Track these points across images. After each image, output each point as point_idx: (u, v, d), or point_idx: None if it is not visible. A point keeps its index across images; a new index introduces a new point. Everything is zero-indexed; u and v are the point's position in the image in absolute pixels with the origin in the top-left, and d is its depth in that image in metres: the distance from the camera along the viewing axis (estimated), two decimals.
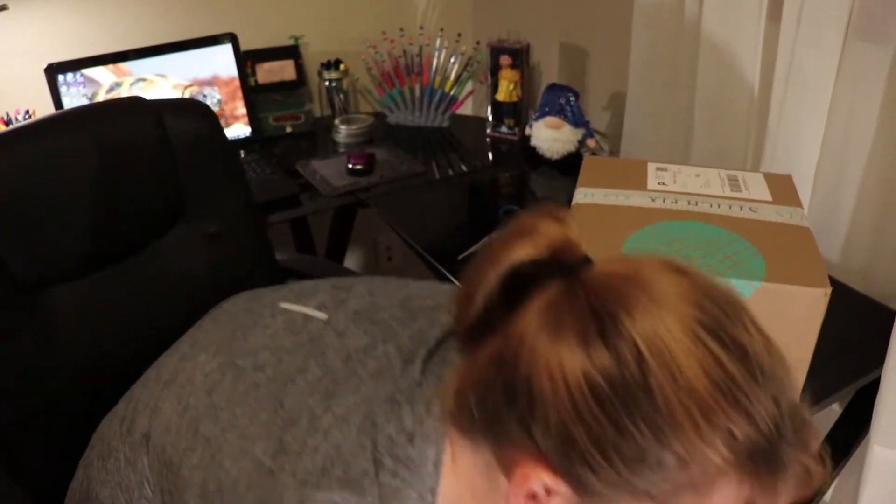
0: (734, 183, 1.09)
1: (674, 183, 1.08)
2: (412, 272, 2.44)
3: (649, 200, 1.03)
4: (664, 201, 1.03)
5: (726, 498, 0.53)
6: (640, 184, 1.08)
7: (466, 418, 0.60)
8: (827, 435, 1.30)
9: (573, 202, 1.05)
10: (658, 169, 1.12)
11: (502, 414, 0.56)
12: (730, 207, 1.02)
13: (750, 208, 1.03)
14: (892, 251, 1.22)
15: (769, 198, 1.06)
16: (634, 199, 1.04)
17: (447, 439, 0.66)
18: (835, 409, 1.30)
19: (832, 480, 1.31)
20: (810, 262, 0.91)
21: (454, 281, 1.30)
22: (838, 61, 1.18)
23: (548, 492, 0.55)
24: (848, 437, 1.25)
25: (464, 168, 1.79)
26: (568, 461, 0.53)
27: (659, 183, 1.08)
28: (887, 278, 1.24)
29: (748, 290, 0.87)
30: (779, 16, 1.22)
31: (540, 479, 0.55)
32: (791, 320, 0.89)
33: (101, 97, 1.64)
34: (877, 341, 1.11)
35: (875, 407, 1.13)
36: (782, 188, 1.08)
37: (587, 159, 1.16)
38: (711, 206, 1.02)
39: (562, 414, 0.52)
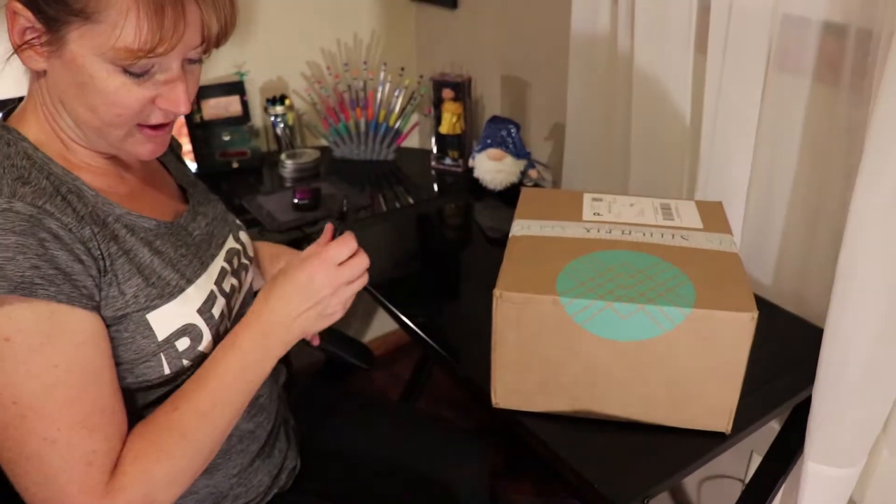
0: (667, 211, 1.12)
1: (609, 213, 1.11)
2: (363, 306, 2.45)
3: (584, 231, 1.06)
4: (599, 231, 1.06)
5: (126, 8, 0.72)
6: (575, 215, 1.11)
7: None
8: (767, 452, 1.33)
9: (510, 234, 1.07)
10: (594, 199, 1.15)
11: None
12: (662, 236, 1.06)
13: (682, 236, 1.06)
14: (820, 273, 1.27)
15: (700, 225, 1.09)
16: (570, 230, 1.07)
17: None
18: (773, 427, 1.33)
19: (774, 496, 1.34)
20: (738, 287, 0.95)
21: (404, 319, 1.31)
22: (762, 92, 1.23)
23: (25, 19, 0.74)
24: (787, 454, 1.28)
25: (410, 200, 1.81)
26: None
27: (594, 213, 1.11)
28: (816, 299, 1.29)
29: (679, 317, 0.90)
30: (706, 48, 1.27)
31: (13, 7, 0.74)
32: (722, 344, 0.92)
33: None
34: (809, 359, 1.15)
35: (808, 425, 1.16)
36: (713, 215, 1.12)
37: (525, 191, 1.19)
38: (644, 234, 1.06)
39: None
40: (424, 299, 1.38)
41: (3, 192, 0.73)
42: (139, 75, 0.77)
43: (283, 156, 1.94)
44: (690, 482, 1.71)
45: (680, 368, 0.95)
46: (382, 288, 1.39)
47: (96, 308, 0.78)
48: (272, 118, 2.00)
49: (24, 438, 0.74)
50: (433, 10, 2.16)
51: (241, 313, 1.00)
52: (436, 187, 1.91)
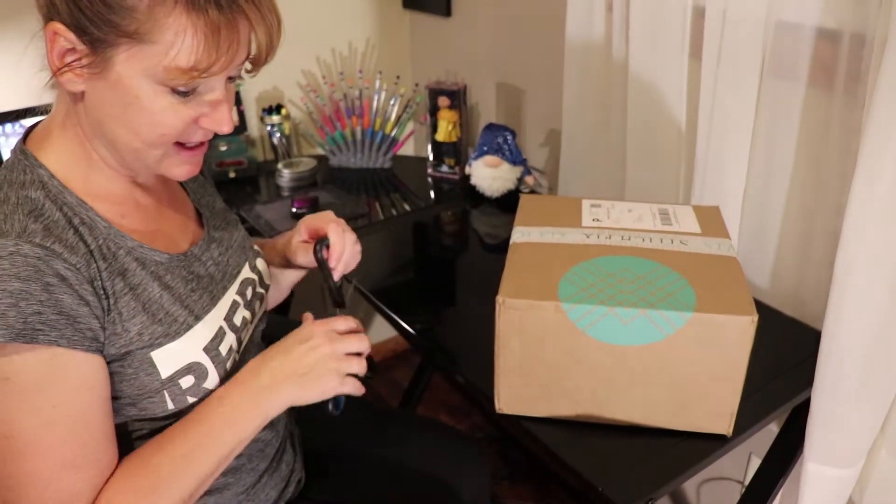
0: (665, 217, 1.13)
1: (608, 219, 1.12)
2: (362, 312, 2.45)
3: (584, 237, 1.07)
4: (598, 237, 1.07)
5: (181, 29, 0.72)
6: (575, 221, 1.12)
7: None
8: (766, 453, 1.34)
9: (511, 241, 1.08)
10: (592, 206, 1.16)
11: None
12: (661, 241, 1.07)
13: (680, 241, 1.07)
14: (817, 276, 1.28)
15: (698, 230, 1.10)
16: (570, 236, 1.08)
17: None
18: (771, 429, 1.34)
19: (774, 497, 1.35)
20: (738, 291, 0.96)
21: (403, 325, 1.32)
22: (756, 97, 1.24)
23: (66, 41, 0.74)
24: (786, 455, 1.29)
25: (407, 208, 1.82)
26: (70, 9, 0.72)
27: (594, 220, 1.12)
28: (813, 301, 1.30)
29: (680, 321, 0.91)
30: (700, 54, 1.28)
31: (54, 28, 0.73)
32: (723, 348, 0.93)
33: None
34: (807, 362, 1.16)
35: (807, 426, 1.17)
36: (710, 220, 1.13)
37: (524, 198, 1.20)
38: (644, 240, 1.06)
39: None
40: (423, 306, 1.38)
41: (14, 231, 0.73)
42: (186, 94, 0.77)
43: (279, 165, 1.95)
44: (690, 484, 1.72)
45: (681, 372, 0.95)
46: (381, 294, 1.39)
47: (100, 349, 0.79)
48: (268, 128, 2.00)
49: (10, 473, 0.75)
50: (427, 18, 2.17)
51: (251, 345, 1.01)
52: (432, 195, 1.91)
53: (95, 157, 0.83)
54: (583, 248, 1.05)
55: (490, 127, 1.78)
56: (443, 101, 1.90)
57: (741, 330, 0.91)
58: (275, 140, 2.01)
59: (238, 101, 1.96)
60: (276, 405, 0.86)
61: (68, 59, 0.75)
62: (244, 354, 0.97)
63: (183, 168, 0.85)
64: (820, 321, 1.14)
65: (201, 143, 0.85)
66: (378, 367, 0.97)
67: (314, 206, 1.73)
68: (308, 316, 0.94)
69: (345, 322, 0.92)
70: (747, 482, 1.51)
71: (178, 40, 0.72)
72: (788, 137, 1.25)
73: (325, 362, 0.87)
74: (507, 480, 2.03)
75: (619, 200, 1.19)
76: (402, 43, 2.29)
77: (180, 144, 0.82)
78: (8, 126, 1.59)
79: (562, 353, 0.97)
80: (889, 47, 0.95)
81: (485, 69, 2.02)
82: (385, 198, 1.88)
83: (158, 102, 0.76)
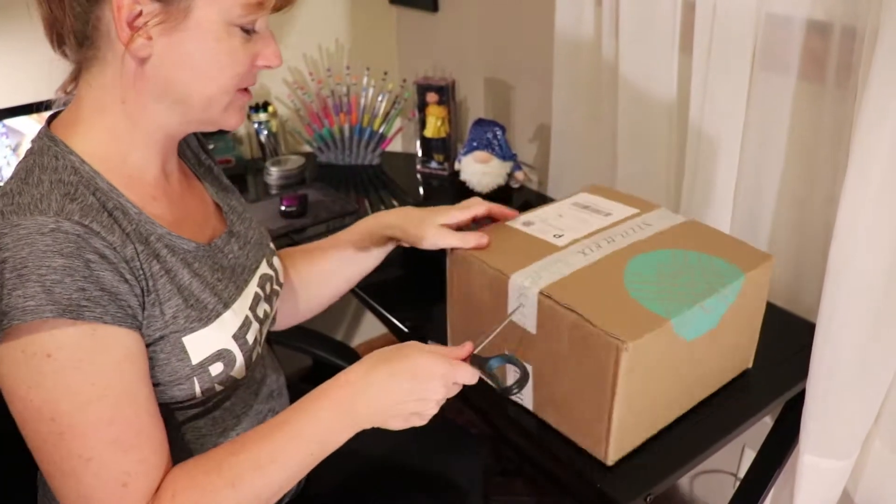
0: (596, 210, 1.14)
1: (565, 230, 1.08)
2: (352, 310, 2.44)
3: (583, 256, 1.01)
4: (593, 251, 1.03)
5: None
6: (544, 246, 1.04)
7: None
8: (761, 447, 1.34)
9: (536, 293, 0.94)
10: (525, 224, 1.11)
11: None
12: (634, 231, 1.08)
13: (642, 224, 1.10)
14: (810, 268, 1.28)
15: (633, 210, 1.14)
16: (572, 260, 1.00)
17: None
18: (766, 422, 1.35)
19: (769, 489, 1.35)
20: (741, 247, 1.06)
21: (394, 321, 1.31)
22: (747, 90, 1.24)
23: (134, 2, 0.75)
24: (781, 448, 1.30)
25: (396, 204, 1.81)
26: None
27: (554, 236, 1.07)
28: (808, 294, 1.30)
29: (738, 288, 0.98)
30: (691, 48, 1.28)
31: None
32: (753, 298, 1.04)
33: (26, 146, 1.61)
34: (801, 354, 1.16)
35: (802, 418, 1.17)
36: (626, 199, 1.18)
37: (453, 261, 1.08)
38: (624, 236, 1.07)
39: None
40: (413, 303, 1.38)
41: (52, 210, 0.73)
42: (250, 32, 0.82)
43: (267, 163, 1.93)
44: (684, 478, 1.72)
45: (727, 334, 1.01)
46: (371, 291, 1.38)
47: (139, 328, 0.78)
48: (255, 125, 1.99)
49: (60, 455, 0.73)
50: (414, 14, 2.16)
51: (266, 340, 1.01)
52: (422, 191, 1.91)
53: (142, 133, 0.85)
54: (602, 265, 0.99)
55: (479, 122, 1.78)
56: (431, 96, 1.90)
57: (764, 274, 1.03)
58: (262, 138, 1.99)
59: None
60: (362, 426, 0.84)
61: (138, 23, 0.76)
62: (258, 359, 0.97)
63: (239, 115, 0.89)
64: (813, 313, 1.14)
65: (247, 89, 0.88)
66: None
67: (303, 204, 1.72)
68: (459, 352, 0.87)
69: (471, 377, 0.86)
70: (741, 474, 1.52)
71: None
72: (780, 130, 1.25)
73: (424, 410, 0.84)
74: (501, 476, 2.02)
75: (538, 208, 1.17)
76: (388, 39, 2.28)
77: (238, 90, 0.86)
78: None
79: (667, 369, 0.95)
80: (880, 40, 0.95)
81: (473, 64, 2.01)
82: (374, 194, 1.87)
83: (233, 43, 0.81)
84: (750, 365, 1.12)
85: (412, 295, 1.42)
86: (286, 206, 1.70)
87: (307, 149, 2.15)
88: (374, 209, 1.78)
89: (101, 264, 0.74)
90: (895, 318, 1.07)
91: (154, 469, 0.78)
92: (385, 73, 2.09)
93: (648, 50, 1.36)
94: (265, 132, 1.99)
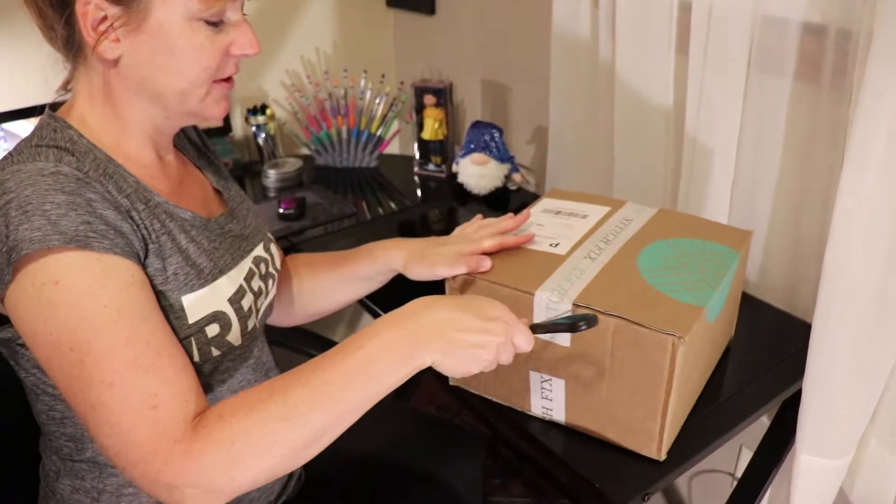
0: (572, 214, 1.15)
1: (557, 237, 1.08)
2: (350, 311, 2.44)
3: (590, 260, 1.01)
4: (599, 251, 1.03)
5: None
6: (549, 259, 1.02)
7: None
8: (758, 446, 1.35)
9: (574, 301, 0.93)
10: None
11: None
12: (621, 229, 1.10)
13: (622, 222, 1.12)
14: (807, 268, 1.29)
15: (606, 208, 1.16)
16: (584, 266, 1.00)
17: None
18: (763, 422, 1.35)
19: (766, 488, 1.36)
20: (715, 226, 1.12)
21: None
22: (743, 92, 1.25)
23: (97, 9, 0.78)
24: (778, 448, 1.30)
25: (394, 207, 1.81)
26: None
27: (550, 245, 1.06)
28: (804, 294, 1.31)
29: (734, 265, 1.03)
30: (687, 50, 1.29)
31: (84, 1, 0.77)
32: (741, 272, 1.11)
33: None
34: (798, 354, 1.17)
35: (799, 417, 1.18)
36: (590, 199, 1.20)
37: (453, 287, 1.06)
38: (614, 234, 1.08)
39: None
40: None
41: (50, 159, 0.77)
42: (217, 24, 0.83)
43: (265, 166, 1.94)
44: (681, 477, 1.73)
45: (726, 310, 1.07)
46: (372, 298, 1.38)
47: (143, 268, 0.80)
48: (253, 128, 1.99)
49: (85, 386, 0.73)
50: (411, 17, 2.17)
51: (264, 319, 1.02)
52: (419, 193, 1.91)
53: (131, 125, 0.88)
54: (614, 267, 1.00)
55: (477, 125, 1.78)
56: (429, 99, 1.90)
57: (748, 248, 1.11)
58: (260, 141, 2.00)
59: None
60: (423, 356, 0.77)
61: (102, 27, 0.79)
62: (255, 332, 0.98)
63: (221, 105, 0.90)
64: (809, 314, 1.15)
65: (230, 78, 0.90)
66: None
67: (301, 207, 1.72)
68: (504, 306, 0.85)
69: (528, 343, 0.83)
70: (738, 474, 1.52)
71: None
72: (776, 132, 1.25)
73: (485, 352, 0.79)
74: (499, 479, 2.03)
75: (572, 201, 1.20)
76: (385, 41, 2.28)
77: (216, 81, 0.88)
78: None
79: (699, 354, 0.97)
80: (874, 42, 0.95)
81: (470, 66, 2.02)
82: (371, 197, 1.88)
83: (197, 38, 0.82)
84: (732, 334, 1.20)
85: (411, 295, 1.42)
86: (284, 209, 1.71)
87: (305, 151, 2.15)
88: (373, 212, 1.78)
89: (103, 203, 0.77)
90: (890, 318, 1.07)
91: (183, 390, 0.75)
92: (382, 76, 2.10)
93: (645, 52, 1.37)
94: (263, 135, 1.99)
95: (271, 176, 1.91)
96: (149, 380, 0.73)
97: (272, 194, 1.88)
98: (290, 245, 1.64)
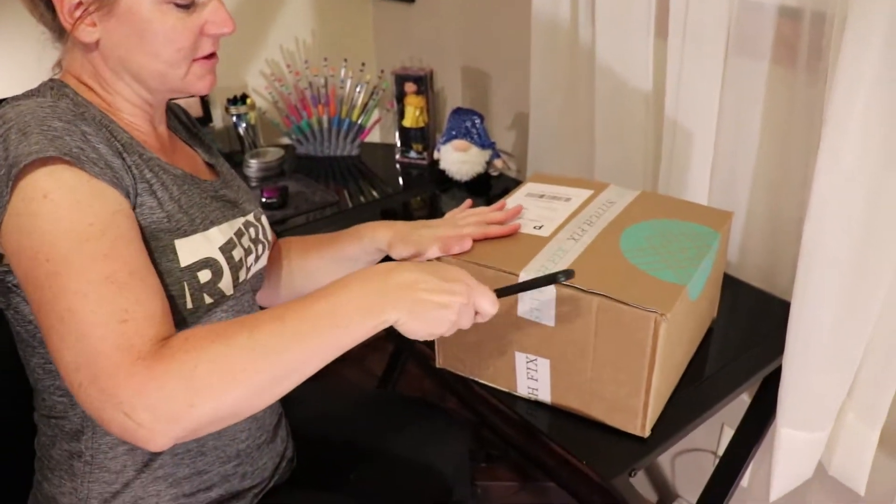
0: (555, 197, 1.17)
1: (542, 220, 1.09)
2: None
3: (573, 241, 1.03)
4: (583, 231, 1.05)
5: None
6: (535, 241, 1.04)
7: None
8: (739, 423, 1.38)
9: (554, 277, 0.90)
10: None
11: None
12: (604, 210, 1.12)
13: (605, 204, 1.14)
14: (785, 248, 1.31)
15: (589, 191, 1.18)
16: (566, 245, 1.02)
17: None
18: (744, 400, 1.38)
19: (748, 463, 1.39)
20: (697, 207, 1.15)
21: None
22: (722, 75, 1.27)
23: None
24: (759, 424, 1.33)
25: (376, 195, 1.82)
26: None
27: (534, 228, 1.08)
28: (782, 273, 1.34)
29: (715, 247, 1.05)
30: (666, 35, 1.31)
31: None
32: (723, 252, 1.14)
33: None
34: (777, 332, 1.19)
35: (780, 392, 1.21)
36: (573, 182, 1.22)
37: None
38: (598, 216, 1.10)
39: None
40: None
41: (48, 96, 0.83)
42: (187, 7, 0.85)
43: (247, 155, 1.94)
44: (664, 457, 1.76)
45: (708, 288, 1.09)
46: None
47: (132, 205, 0.82)
48: (234, 118, 1.99)
49: (55, 297, 0.73)
50: (390, 5, 2.17)
51: (255, 284, 1.05)
52: (401, 181, 1.92)
53: (120, 99, 0.91)
54: (597, 247, 1.02)
55: (457, 111, 1.79)
56: (409, 86, 1.91)
57: (729, 229, 1.14)
58: (240, 130, 1.99)
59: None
60: (388, 312, 0.78)
61: (77, 13, 0.83)
62: (246, 287, 1.00)
63: (205, 80, 0.92)
64: (788, 293, 1.17)
65: (213, 54, 0.92)
66: (347, 356, 0.92)
67: (284, 196, 1.73)
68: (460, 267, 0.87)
69: (492, 304, 0.85)
70: (720, 452, 1.55)
71: None
72: (753, 114, 1.28)
73: (448, 312, 0.80)
74: (484, 462, 2.05)
75: (560, 185, 1.21)
76: (365, 30, 2.28)
77: (195, 59, 0.90)
78: None
79: (681, 332, 0.99)
80: (848, 25, 0.97)
81: (450, 54, 2.03)
82: (353, 185, 1.89)
83: (168, 20, 0.84)
84: (715, 314, 1.23)
85: None
86: (267, 198, 1.71)
87: (285, 141, 2.15)
88: (354, 200, 1.79)
89: (97, 138, 0.80)
90: (866, 296, 1.10)
91: (154, 312, 0.76)
92: (363, 65, 2.10)
93: (624, 36, 1.39)
94: (243, 125, 1.99)
95: (253, 165, 1.91)
96: (121, 296, 0.74)
97: (254, 184, 1.87)
98: (275, 234, 1.64)
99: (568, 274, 0.86)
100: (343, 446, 1.25)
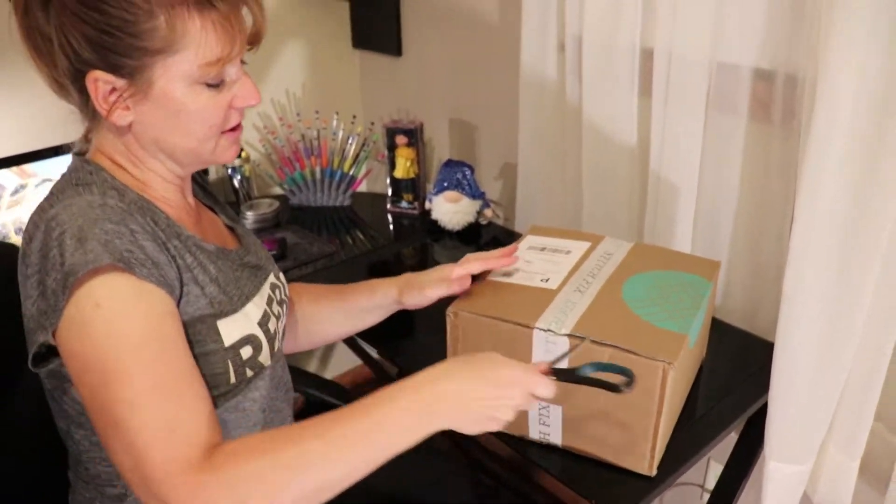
0: (556, 250, 1.24)
1: (546, 273, 1.16)
2: (339, 349, 2.48)
3: (580, 293, 1.10)
4: (588, 284, 1.13)
5: (199, 29, 0.84)
6: (543, 295, 1.10)
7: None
8: (728, 460, 1.44)
9: (569, 332, 1.01)
10: (504, 275, 1.17)
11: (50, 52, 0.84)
12: (603, 262, 1.19)
13: (604, 256, 1.21)
14: (766, 292, 1.39)
15: (587, 243, 1.25)
16: (574, 298, 1.09)
17: None
18: (732, 437, 1.44)
19: (737, 498, 1.45)
20: (688, 258, 1.23)
21: (376, 357, 1.37)
22: (703, 130, 1.36)
23: (105, 83, 0.84)
24: (747, 459, 1.40)
25: (369, 245, 1.87)
26: (99, 55, 0.82)
27: (542, 280, 1.14)
28: (764, 315, 1.41)
29: (708, 295, 1.13)
30: (650, 93, 1.39)
31: (94, 76, 0.83)
32: (713, 299, 1.22)
33: (6, 199, 1.63)
34: (761, 371, 1.27)
35: (766, 428, 1.27)
36: (570, 234, 1.29)
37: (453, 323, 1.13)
38: (599, 268, 1.17)
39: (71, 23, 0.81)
40: (386, 333, 1.39)
41: (95, 193, 0.86)
42: (217, 85, 0.89)
43: (243, 207, 1.98)
44: None
45: (700, 333, 1.16)
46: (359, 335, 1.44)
47: (177, 301, 0.86)
48: (229, 170, 2.04)
49: (107, 405, 0.77)
50: (378, 58, 2.24)
51: (282, 341, 1.09)
52: (392, 230, 1.98)
53: (152, 175, 0.94)
54: (602, 300, 1.09)
55: (449, 163, 1.86)
56: (400, 139, 1.98)
57: (718, 277, 1.24)
58: (236, 182, 2.05)
59: None
60: (435, 425, 0.81)
61: (112, 98, 0.86)
62: (279, 353, 1.05)
63: (231, 150, 0.96)
64: (769, 332, 1.24)
65: (237, 126, 0.96)
66: None
67: (283, 248, 1.78)
68: (539, 366, 0.89)
69: (548, 390, 0.86)
70: (707, 485, 1.61)
71: (202, 40, 0.84)
72: (733, 166, 1.37)
73: (501, 414, 0.84)
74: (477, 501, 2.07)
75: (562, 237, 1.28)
76: (353, 82, 2.35)
77: (223, 132, 0.94)
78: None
79: (682, 377, 1.06)
80: (819, 86, 1.05)
81: (437, 106, 2.10)
82: (346, 235, 1.94)
83: (200, 100, 0.88)
84: (704, 355, 1.30)
85: (384, 326, 1.46)
86: (268, 251, 1.75)
87: (278, 191, 2.20)
88: (348, 250, 1.83)
89: (144, 235, 0.84)
90: (844, 336, 1.17)
91: (201, 418, 0.79)
92: (354, 117, 2.17)
93: (610, 93, 1.47)
94: (238, 177, 2.04)
95: (249, 217, 1.96)
96: (169, 404, 0.77)
97: None
98: None
99: (629, 384, 0.88)
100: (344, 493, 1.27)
